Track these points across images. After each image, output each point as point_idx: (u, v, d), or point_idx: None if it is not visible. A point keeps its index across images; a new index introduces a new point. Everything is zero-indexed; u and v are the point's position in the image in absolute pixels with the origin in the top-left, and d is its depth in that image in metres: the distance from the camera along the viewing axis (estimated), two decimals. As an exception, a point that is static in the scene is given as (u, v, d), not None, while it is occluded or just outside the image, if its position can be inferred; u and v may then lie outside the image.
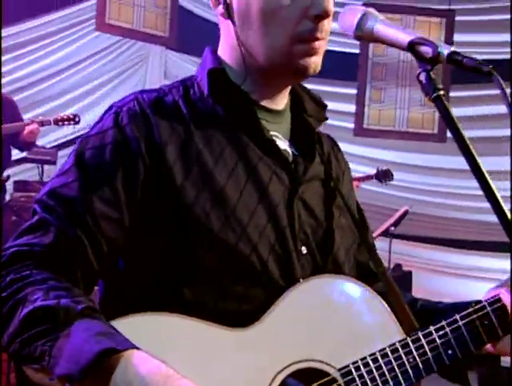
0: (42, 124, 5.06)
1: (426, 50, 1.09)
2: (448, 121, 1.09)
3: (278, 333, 1.16)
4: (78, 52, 7.08)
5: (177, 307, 1.13)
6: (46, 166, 6.37)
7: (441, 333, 1.24)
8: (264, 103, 1.31)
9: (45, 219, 1.14)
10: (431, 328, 1.25)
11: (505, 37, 6.73)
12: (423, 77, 1.10)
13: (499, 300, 1.29)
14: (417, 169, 6.53)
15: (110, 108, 1.26)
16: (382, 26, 1.16)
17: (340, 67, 6.15)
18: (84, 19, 6.96)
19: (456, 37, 6.61)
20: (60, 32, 6.93)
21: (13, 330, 1.03)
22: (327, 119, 1.43)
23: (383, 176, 5.52)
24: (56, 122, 5.19)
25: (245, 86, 1.28)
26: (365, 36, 1.18)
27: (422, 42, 1.10)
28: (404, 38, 1.12)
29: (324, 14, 1.22)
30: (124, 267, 1.21)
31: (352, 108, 7.04)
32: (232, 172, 1.21)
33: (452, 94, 6.77)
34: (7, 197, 5.47)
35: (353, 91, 6.97)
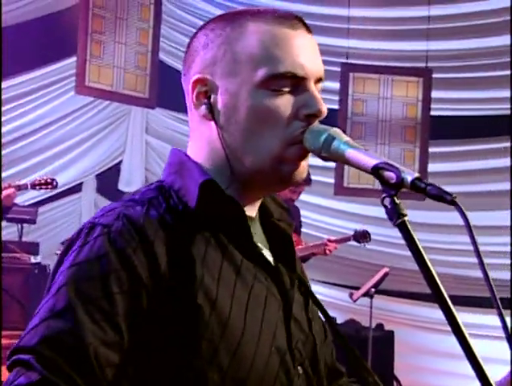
0: (19, 188, 5.04)
1: (390, 175, 1.08)
2: (411, 246, 1.08)
3: None
4: (58, 110, 7.10)
5: None
6: (25, 224, 6.34)
7: None
8: (246, 211, 1.22)
9: (50, 382, 0.99)
10: None
11: (482, 94, 6.85)
12: (387, 202, 1.09)
13: None
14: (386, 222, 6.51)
15: (93, 226, 1.11)
16: (347, 148, 1.15)
17: (320, 122, 6.21)
18: (64, 77, 6.97)
19: (434, 94, 6.69)
20: (39, 90, 6.96)
21: None
22: (294, 223, 1.38)
23: (361, 237, 5.56)
24: (33, 186, 5.17)
25: (229, 193, 1.18)
26: (330, 157, 1.17)
27: (386, 167, 1.09)
28: (369, 162, 1.12)
29: (317, 114, 1.17)
30: None
31: (332, 163, 7.04)
32: (233, 296, 1.12)
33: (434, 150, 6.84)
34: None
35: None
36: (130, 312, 1.05)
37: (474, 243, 1.03)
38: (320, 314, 1.36)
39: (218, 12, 7.60)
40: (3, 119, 6.71)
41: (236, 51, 1.18)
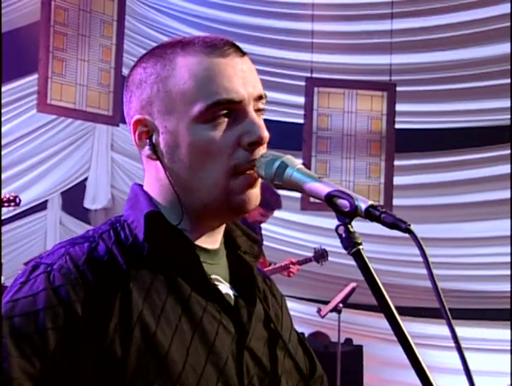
0: (-20, 208, 4.95)
1: (343, 203, 1.08)
2: (366, 275, 1.07)
3: None
4: (20, 128, 7.01)
5: None
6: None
7: None
8: (201, 243, 1.21)
9: None
10: None
11: (445, 106, 6.92)
12: (341, 230, 1.08)
13: None
14: (365, 237, 6.50)
15: (37, 265, 1.13)
16: (300, 175, 1.14)
17: (285, 137, 6.19)
18: (25, 95, 6.89)
19: (398, 107, 6.72)
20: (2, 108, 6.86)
21: None
22: (261, 255, 1.38)
23: (320, 257, 5.74)
24: (-5, 205, 5.07)
25: (182, 226, 1.18)
26: (283, 185, 1.15)
27: (339, 195, 1.09)
28: (322, 190, 1.11)
29: (259, 141, 1.16)
30: None
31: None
32: (176, 330, 1.11)
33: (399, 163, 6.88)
34: None
35: (299, 161, 6.99)
36: (62, 348, 1.06)
37: (430, 272, 1.03)
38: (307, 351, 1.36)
39: (182, 27, 7.57)
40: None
41: (168, 88, 1.17)
